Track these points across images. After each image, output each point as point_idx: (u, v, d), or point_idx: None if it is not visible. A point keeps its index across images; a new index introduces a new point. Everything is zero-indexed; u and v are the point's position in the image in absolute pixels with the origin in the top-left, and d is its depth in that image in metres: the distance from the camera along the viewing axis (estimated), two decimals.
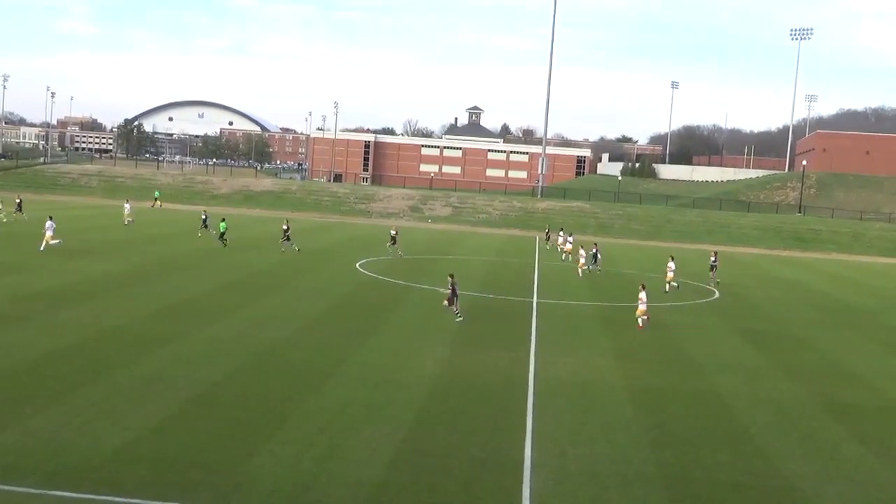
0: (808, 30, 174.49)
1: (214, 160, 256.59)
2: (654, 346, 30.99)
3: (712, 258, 51.99)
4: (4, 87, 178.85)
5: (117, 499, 14.33)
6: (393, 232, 57.12)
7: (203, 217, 60.29)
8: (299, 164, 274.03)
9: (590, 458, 18.06)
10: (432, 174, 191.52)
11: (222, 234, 52.81)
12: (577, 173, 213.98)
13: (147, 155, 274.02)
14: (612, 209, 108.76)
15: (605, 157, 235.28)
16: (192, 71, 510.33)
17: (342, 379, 23.11)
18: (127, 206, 65.93)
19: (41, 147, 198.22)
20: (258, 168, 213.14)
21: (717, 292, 47.34)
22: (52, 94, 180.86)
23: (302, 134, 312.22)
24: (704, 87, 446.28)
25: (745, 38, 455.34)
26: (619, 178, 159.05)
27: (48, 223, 46.25)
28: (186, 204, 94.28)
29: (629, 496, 16.23)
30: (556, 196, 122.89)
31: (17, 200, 65.61)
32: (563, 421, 20.66)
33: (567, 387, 23.95)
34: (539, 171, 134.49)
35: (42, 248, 44.67)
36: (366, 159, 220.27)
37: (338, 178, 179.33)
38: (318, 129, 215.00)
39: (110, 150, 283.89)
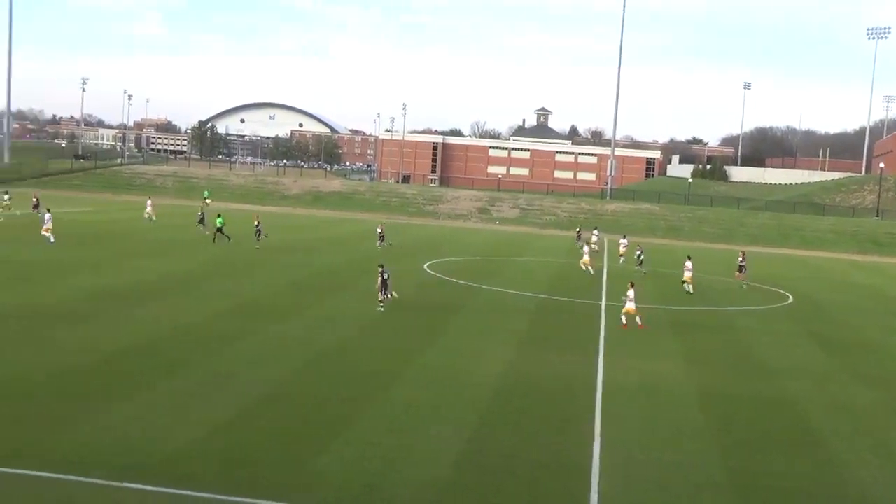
0: (885, 29, 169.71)
1: (285, 161, 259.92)
2: (724, 350, 30.49)
3: (740, 258, 50.79)
4: (84, 90, 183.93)
5: (188, 493, 14.57)
6: (379, 229, 57.96)
7: (200, 214, 60.53)
8: (368, 166, 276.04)
9: (658, 464, 17.81)
10: (500, 176, 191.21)
11: (219, 229, 53.32)
12: (647, 175, 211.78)
13: (220, 156, 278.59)
14: (682, 211, 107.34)
15: (675, 158, 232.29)
16: (264, 74, 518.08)
17: (407, 379, 23.19)
18: (149, 203, 67.45)
19: (118, 148, 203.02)
20: (328, 169, 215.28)
21: (791, 297, 46.39)
22: (129, 97, 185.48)
23: (371, 135, 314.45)
24: (778, 88, 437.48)
25: (820, 38, 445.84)
26: (690, 180, 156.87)
27: (47, 215, 48.90)
28: (246, 204, 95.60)
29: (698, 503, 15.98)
30: (625, 198, 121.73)
31: (34, 200, 64.24)
32: (630, 425, 20.43)
33: (635, 391, 23.69)
34: (608, 173, 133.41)
35: (51, 238, 47.02)
36: (434, 161, 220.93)
37: (406, 179, 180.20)
38: (387, 130, 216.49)
39: (185, 152, 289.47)
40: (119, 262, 41.58)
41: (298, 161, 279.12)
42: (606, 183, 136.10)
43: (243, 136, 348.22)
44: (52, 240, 46.98)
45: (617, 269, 52.89)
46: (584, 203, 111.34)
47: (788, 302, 44.81)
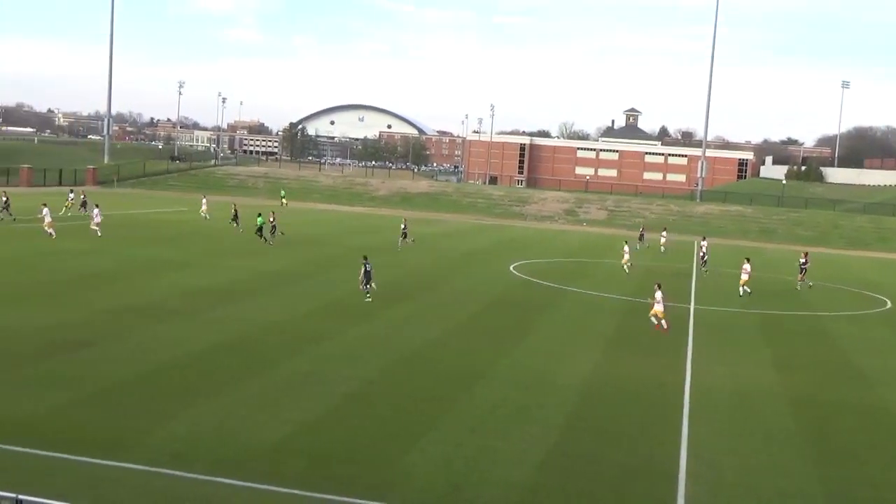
0: None
1: (373, 162, 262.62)
2: (817, 356, 29.68)
3: (802, 260, 49.15)
4: (180, 94, 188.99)
5: (276, 489, 14.85)
6: (402, 226, 58.22)
7: (233, 211, 59.99)
8: (455, 167, 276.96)
9: (748, 470, 17.45)
10: (588, 177, 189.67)
11: (259, 228, 52.89)
12: (739, 176, 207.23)
13: (310, 157, 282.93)
14: (776, 214, 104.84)
15: (769, 159, 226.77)
16: (354, 76, 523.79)
17: (493, 380, 23.21)
18: (204, 201, 68.44)
19: (212, 150, 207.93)
20: (415, 170, 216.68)
21: (889, 302, 44.91)
22: (223, 100, 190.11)
23: (458, 136, 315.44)
24: (878, 86, 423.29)
25: None
26: (784, 181, 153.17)
27: (95, 210, 51.75)
28: (334, 204, 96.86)
29: None
30: (716, 200, 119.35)
31: (82, 198, 64.22)
32: (719, 430, 20.06)
33: (724, 395, 23.25)
34: (698, 175, 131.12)
35: (99, 232, 49.59)
36: (521, 162, 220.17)
37: (493, 180, 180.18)
38: (474, 131, 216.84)
39: (276, 153, 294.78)
40: (210, 261, 42.61)
41: (386, 162, 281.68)
42: (697, 184, 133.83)
43: (333, 138, 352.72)
44: (99, 233, 49.31)
45: (714, 273, 51.95)
46: (674, 205, 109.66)
47: (886, 307, 43.37)
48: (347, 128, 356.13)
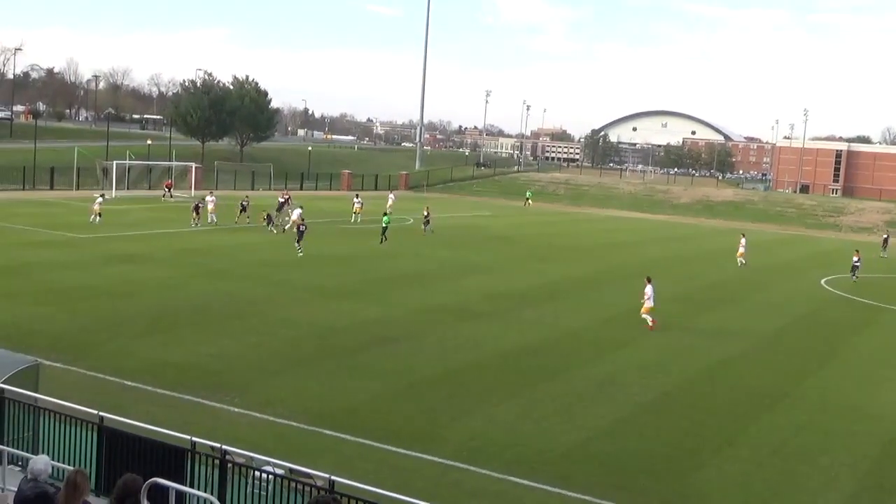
0: None
1: (676, 169, 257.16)
2: None
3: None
4: (487, 102, 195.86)
5: (567, 493, 15.01)
6: (425, 213, 55.84)
7: (242, 204, 52.73)
8: (763, 175, 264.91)
9: None
10: None
11: (384, 230, 48.84)
12: None
13: (611, 164, 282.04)
14: None
15: None
16: (657, 81, 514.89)
17: (798, 401, 22.01)
18: (391, 196, 67.46)
19: (515, 156, 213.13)
20: (719, 177, 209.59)
21: None
22: (528, 108, 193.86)
23: (767, 143, 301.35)
24: None
25: None
26: None
27: (297, 210, 49.13)
28: (634, 212, 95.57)
29: None
30: None
31: (244, 203, 53.46)
32: None
33: None
34: None
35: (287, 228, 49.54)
36: (836, 169, 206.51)
37: (804, 189, 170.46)
38: (785, 137, 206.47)
39: (577, 160, 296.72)
40: (513, 265, 43.65)
41: (689, 169, 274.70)
42: None
43: (634, 144, 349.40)
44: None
45: None
46: None
47: None
48: (649, 134, 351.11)
